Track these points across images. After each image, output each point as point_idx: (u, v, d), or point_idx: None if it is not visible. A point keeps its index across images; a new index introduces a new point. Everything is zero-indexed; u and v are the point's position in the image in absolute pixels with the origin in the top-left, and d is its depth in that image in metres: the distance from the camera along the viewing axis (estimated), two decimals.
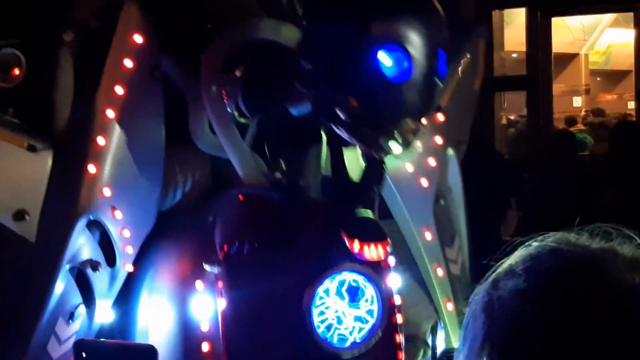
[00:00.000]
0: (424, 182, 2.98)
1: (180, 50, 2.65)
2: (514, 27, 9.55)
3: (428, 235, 2.98)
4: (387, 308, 2.37)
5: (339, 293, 2.32)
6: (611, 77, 15.29)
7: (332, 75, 2.14)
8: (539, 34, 7.92)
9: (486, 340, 0.96)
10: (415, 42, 2.05)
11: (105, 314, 2.56)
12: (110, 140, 2.49)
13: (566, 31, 12.75)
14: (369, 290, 2.34)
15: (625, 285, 0.93)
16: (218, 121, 2.44)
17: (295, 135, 2.47)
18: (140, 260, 2.61)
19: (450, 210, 3.14)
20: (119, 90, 2.49)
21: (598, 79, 15.92)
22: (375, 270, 2.36)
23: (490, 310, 0.97)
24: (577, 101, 13.60)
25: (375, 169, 2.42)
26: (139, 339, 2.59)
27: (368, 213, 2.40)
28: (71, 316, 2.49)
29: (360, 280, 2.34)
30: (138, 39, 2.52)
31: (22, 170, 2.49)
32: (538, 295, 0.94)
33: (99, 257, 2.51)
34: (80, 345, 2.16)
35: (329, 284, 2.31)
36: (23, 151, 2.45)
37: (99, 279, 2.51)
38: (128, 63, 2.51)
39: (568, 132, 6.98)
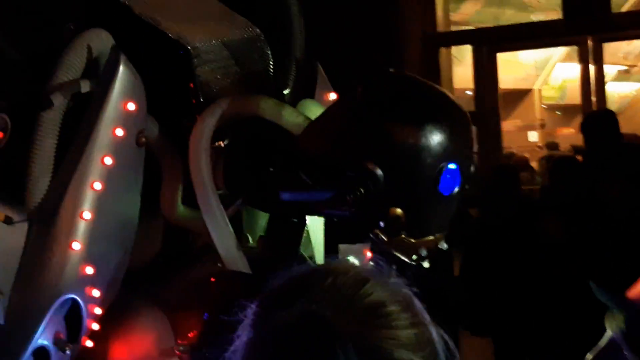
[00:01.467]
0: None
1: (162, 114, 2.53)
2: (466, 64, 9.65)
3: None
4: None
5: None
6: (567, 112, 15.44)
7: (392, 187, 2.00)
8: (485, 70, 8.01)
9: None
10: (462, 155, 2.04)
11: None
12: (95, 214, 2.32)
13: (518, 67, 12.89)
14: None
15: None
16: (204, 195, 2.31)
17: (279, 214, 2.38)
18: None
19: None
20: (108, 160, 2.34)
21: (558, 112, 16.08)
22: None
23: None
24: (533, 136, 13.69)
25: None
26: None
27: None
28: None
29: None
30: (131, 106, 2.37)
31: None
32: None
33: (64, 334, 2.33)
34: None
35: None
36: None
37: (59, 356, 2.32)
38: (119, 132, 2.35)
39: (508, 166, 7.04)
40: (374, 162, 1.95)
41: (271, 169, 2.29)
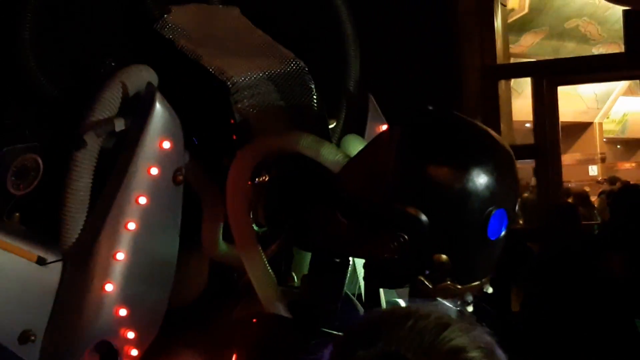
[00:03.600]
0: None
1: (203, 152, 2.51)
2: (525, 96, 9.58)
3: None
4: None
5: None
6: (628, 145, 15.22)
7: (437, 233, 1.89)
8: (545, 103, 7.91)
9: None
10: (510, 197, 1.96)
11: None
12: (129, 255, 2.30)
13: (579, 100, 12.77)
14: None
15: None
16: (242, 236, 2.25)
17: (319, 253, 2.28)
18: None
19: None
20: (142, 200, 2.31)
21: (618, 146, 15.86)
22: None
23: None
24: (593, 169, 13.54)
25: None
26: None
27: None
28: None
29: None
30: (166, 144, 2.34)
31: (29, 287, 2.27)
32: None
33: None
34: None
35: None
36: (32, 265, 2.26)
37: None
38: (154, 171, 2.33)
39: (568, 204, 6.93)
40: (417, 207, 1.85)
41: (310, 208, 2.19)
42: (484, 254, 1.94)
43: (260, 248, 2.25)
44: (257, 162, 2.28)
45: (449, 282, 1.91)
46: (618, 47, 8.72)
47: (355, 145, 2.50)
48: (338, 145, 2.53)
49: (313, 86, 2.56)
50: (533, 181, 8.77)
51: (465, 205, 1.85)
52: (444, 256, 1.88)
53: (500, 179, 1.88)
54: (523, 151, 8.59)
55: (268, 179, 2.33)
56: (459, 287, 1.92)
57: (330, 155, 2.18)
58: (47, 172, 2.31)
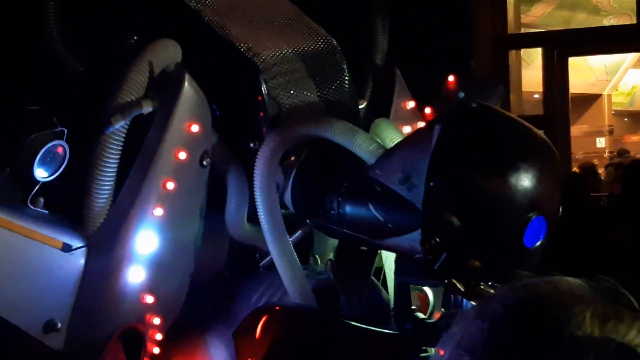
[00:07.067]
0: None
1: (230, 132, 2.46)
2: (534, 67, 9.53)
3: None
4: None
5: None
6: (636, 118, 15.17)
7: (471, 238, 1.80)
8: (555, 73, 7.88)
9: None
10: (551, 203, 1.83)
11: None
12: (156, 241, 2.27)
13: (588, 72, 12.71)
14: None
15: (571, 336, 0.98)
16: (269, 219, 2.20)
17: (350, 247, 2.22)
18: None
19: None
20: (170, 185, 2.27)
21: (625, 119, 15.80)
22: None
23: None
24: (601, 142, 13.51)
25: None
26: None
27: None
28: None
29: None
30: (195, 128, 2.30)
31: (54, 274, 2.23)
32: (498, 324, 1.02)
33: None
34: None
35: None
36: (56, 251, 2.22)
37: None
38: (182, 155, 2.29)
39: (576, 175, 6.92)
40: (451, 210, 1.75)
41: (338, 196, 2.12)
42: (520, 261, 1.81)
43: (285, 231, 2.21)
44: (286, 146, 2.23)
45: (482, 286, 1.78)
46: (629, 19, 8.65)
47: (387, 132, 2.44)
48: (368, 128, 2.47)
49: (345, 66, 2.48)
50: None
51: (501, 212, 1.75)
52: (477, 262, 1.76)
53: (542, 185, 1.76)
54: (532, 122, 8.55)
55: (297, 163, 2.27)
56: (492, 292, 1.78)
57: (364, 144, 2.11)
58: (72, 156, 2.27)
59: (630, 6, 8.22)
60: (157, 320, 2.28)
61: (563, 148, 7.79)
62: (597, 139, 13.51)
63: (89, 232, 2.28)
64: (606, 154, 12.69)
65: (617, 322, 0.99)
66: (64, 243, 2.23)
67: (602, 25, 10.27)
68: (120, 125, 2.21)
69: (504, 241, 1.77)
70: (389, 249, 2.14)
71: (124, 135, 2.24)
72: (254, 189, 2.23)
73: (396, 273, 2.07)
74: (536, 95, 10.51)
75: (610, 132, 13.88)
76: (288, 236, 2.22)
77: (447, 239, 1.76)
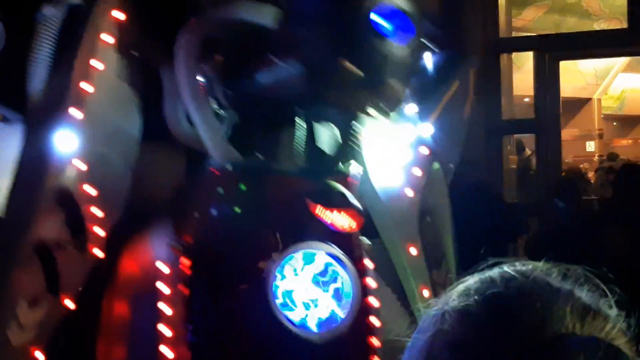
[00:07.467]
0: (409, 192, 2.91)
1: (161, 33, 2.57)
2: (525, 71, 9.54)
3: (413, 251, 2.88)
4: (358, 293, 2.37)
5: (307, 272, 2.34)
6: (625, 122, 15.22)
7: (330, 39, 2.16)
8: (547, 77, 7.88)
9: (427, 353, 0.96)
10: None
11: (71, 302, 2.38)
12: (85, 115, 2.41)
13: (578, 76, 12.73)
14: (340, 273, 2.35)
15: (555, 334, 0.93)
16: (194, 100, 2.39)
17: (269, 114, 2.47)
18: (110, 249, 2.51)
19: (436, 230, 3.07)
20: (97, 64, 2.45)
21: (615, 123, 15.86)
22: (347, 253, 2.37)
23: (439, 324, 0.97)
24: (590, 146, 13.55)
25: (349, 144, 2.48)
26: (104, 332, 2.53)
27: (337, 185, 2.37)
28: (34, 302, 2.31)
29: (331, 261, 2.35)
30: (119, 15, 2.49)
31: None
32: (478, 320, 0.95)
33: (67, 237, 2.39)
34: None
35: (296, 262, 2.33)
36: None
37: (65, 264, 2.37)
38: (107, 38, 2.47)
39: (568, 179, 6.94)
40: None
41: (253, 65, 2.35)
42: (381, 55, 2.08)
43: (212, 111, 2.40)
44: (203, 37, 2.39)
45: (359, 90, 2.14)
46: (619, 23, 8.67)
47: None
48: None
49: None
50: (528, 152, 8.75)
51: None
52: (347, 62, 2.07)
53: None
54: (523, 125, 8.58)
55: (220, 58, 2.44)
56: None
57: (269, 14, 2.31)
58: (7, 39, 2.42)
59: (620, 10, 8.25)
60: (90, 190, 2.41)
61: (554, 152, 7.81)
62: (587, 143, 13.54)
63: (26, 107, 2.44)
64: (596, 158, 12.73)
65: (595, 316, 0.98)
66: (3, 116, 2.42)
67: (593, 29, 10.29)
68: (52, 14, 2.43)
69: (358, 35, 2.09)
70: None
71: (57, 22, 2.44)
72: (176, 72, 2.39)
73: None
74: (526, 99, 10.54)
75: (600, 136, 13.91)
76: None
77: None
